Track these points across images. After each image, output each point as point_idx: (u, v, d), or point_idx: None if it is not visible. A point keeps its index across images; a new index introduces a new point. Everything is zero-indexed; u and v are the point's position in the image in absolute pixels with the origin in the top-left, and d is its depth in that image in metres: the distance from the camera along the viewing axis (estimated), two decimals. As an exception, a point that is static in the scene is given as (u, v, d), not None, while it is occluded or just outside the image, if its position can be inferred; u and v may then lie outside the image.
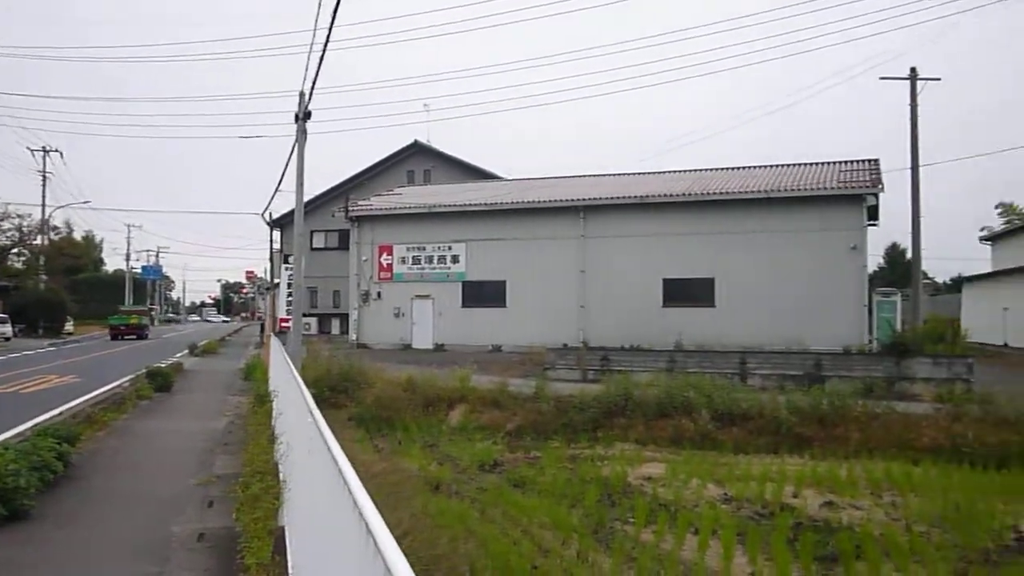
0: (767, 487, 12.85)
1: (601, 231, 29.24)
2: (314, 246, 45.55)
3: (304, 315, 27.79)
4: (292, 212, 21.19)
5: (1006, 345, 39.84)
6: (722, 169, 33.24)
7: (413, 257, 32.14)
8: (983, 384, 21.10)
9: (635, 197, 28.87)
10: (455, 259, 31.31)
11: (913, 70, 28.14)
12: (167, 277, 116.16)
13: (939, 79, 28.69)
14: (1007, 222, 57.53)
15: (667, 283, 28.28)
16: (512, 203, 30.39)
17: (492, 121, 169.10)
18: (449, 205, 31.75)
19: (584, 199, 29.61)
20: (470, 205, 31.18)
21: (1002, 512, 11.38)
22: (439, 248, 31.72)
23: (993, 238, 52.88)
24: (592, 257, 29.22)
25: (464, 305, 31.04)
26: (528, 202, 30.12)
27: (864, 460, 15.61)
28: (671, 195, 28.58)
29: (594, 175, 35.84)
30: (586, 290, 29.12)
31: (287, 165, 22.34)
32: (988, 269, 50.16)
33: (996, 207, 62.24)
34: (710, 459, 15.47)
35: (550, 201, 29.93)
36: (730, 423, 17.99)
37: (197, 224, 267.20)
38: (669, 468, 14.34)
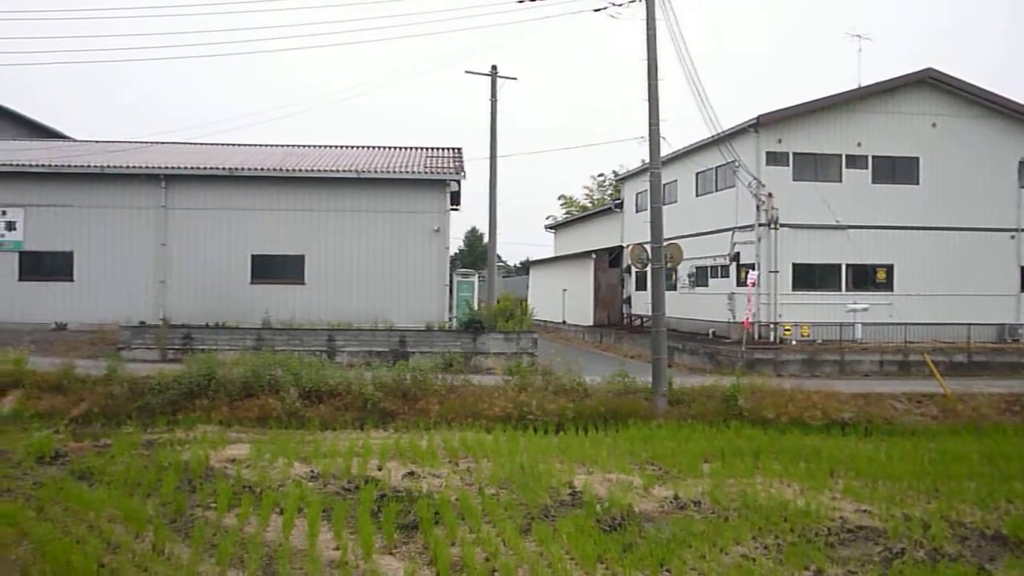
0: (353, 462, 13.06)
1: (186, 202, 27.57)
2: None
3: None
4: None
5: (564, 322, 44.86)
6: (315, 146, 33.09)
7: (-44, 222, 27.72)
8: (545, 357, 23.47)
9: (224, 169, 27.60)
10: (10, 226, 27.54)
11: (494, 67, 30.24)
12: None
13: (516, 79, 31.20)
14: (567, 212, 64.43)
15: (256, 259, 27.50)
16: (84, 166, 27.42)
17: (66, 76, 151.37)
18: (4, 164, 27.81)
19: (167, 167, 27.64)
20: (31, 165, 27.57)
21: (559, 471, 12.71)
22: (-10, 213, 27.69)
23: (556, 227, 59.09)
24: (175, 229, 27.46)
25: (21, 278, 27.42)
26: (103, 166, 27.38)
27: (444, 430, 16.56)
28: (262, 169, 27.78)
29: (180, 142, 33.65)
30: (168, 264, 27.30)
31: None
32: (551, 254, 56.03)
33: (559, 198, 69.26)
34: (297, 437, 15.38)
35: (128, 167, 27.51)
36: (318, 400, 18.08)
37: None
38: (254, 448, 13.98)
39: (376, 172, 27.82)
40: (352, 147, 33.12)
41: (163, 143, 33.15)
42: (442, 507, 10.23)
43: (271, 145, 33.05)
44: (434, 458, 13.57)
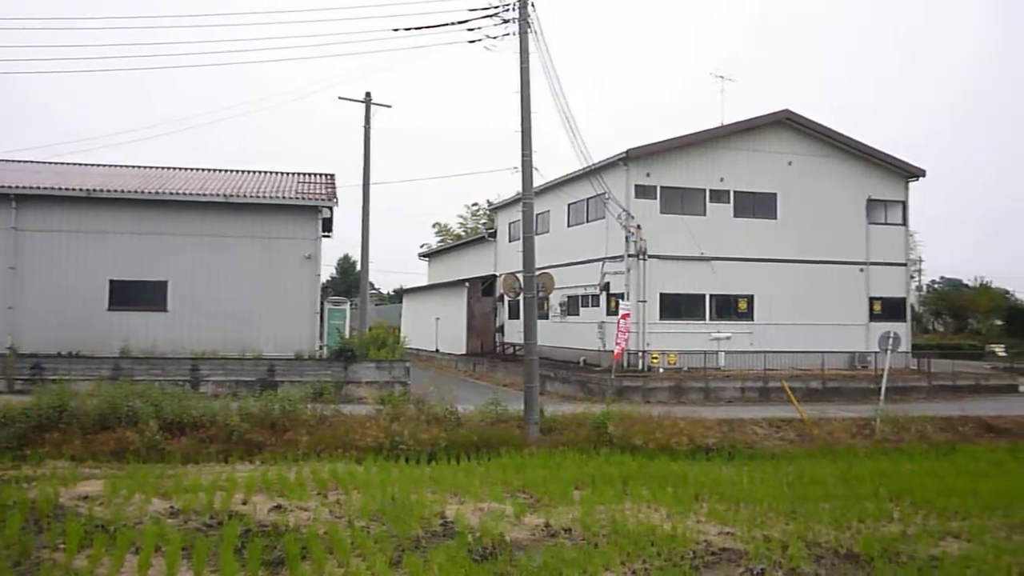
0: (216, 496, 12.57)
1: (39, 224, 26.07)
2: None
3: None
4: None
5: (438, 350, 44.68)
6: (181, 168, 32.00)
7: None
8: (418, 386, 23.31)
9: (82, 190, 26.28)
10: None
11: (368, 94, 29.99)
12: None
13: (390, 106, 31.09)
14: (441, 241, 64.46)
15: (114, 284, 26.21)
16: (-78, 184, 25.64)
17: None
18: None
19: (19, 187, 26.11)
20: None
21: (431, 501, 12.59)
22: None
23: (430, 255, 59.04)
24: (27, 252, 25.91)
25: None
26: (-55, 185, 25.67)
27: (313, 462, 16.17)
28: (123, 191, 26.60)
29: (34, 161, 31.93)
30: (18, 289, 25.67)
31: None
32: (425, 282, 55.87)
33: (433, 226, 69.23)
34: (157, 472, 14.70)
35: (-26, 186, 25.88)
36: (180, 432, 17.38)
37: None
38: (109, 484, 13.26)
39: (245, 197, 27.09)
40: (220, 170, 32.19)
41: (16, 161, 31.38)
42: (310, 542, 9.95)
43: (134, 166, 31.76)
44: (303, 491, 13.21)
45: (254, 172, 32.04)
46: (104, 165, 31.72)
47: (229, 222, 26.92)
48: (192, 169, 32.02)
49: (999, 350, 45.97)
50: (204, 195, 26.85)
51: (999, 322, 62.53)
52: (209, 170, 32.11)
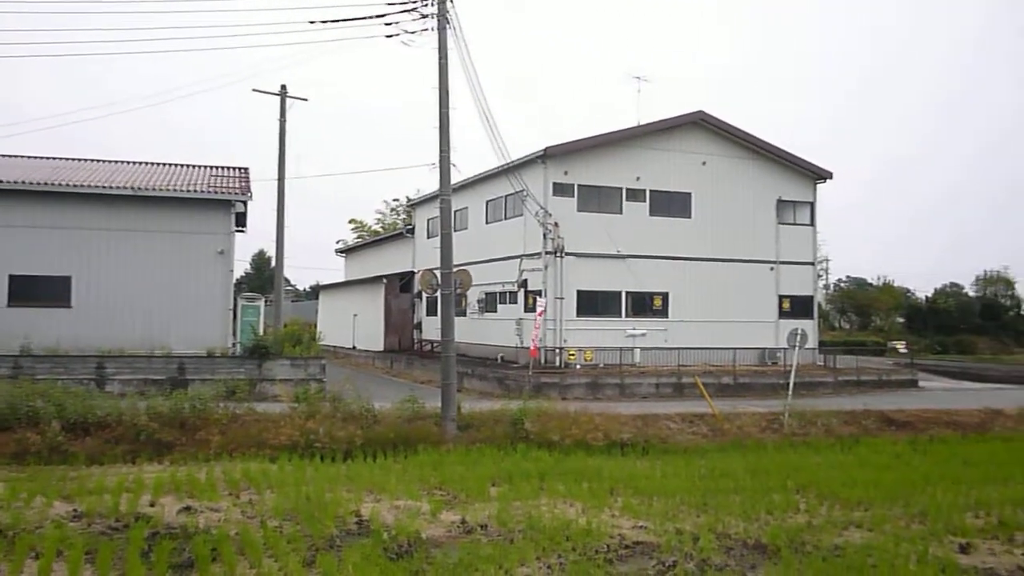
0: (123, 498, 12.18)
1: (-68, 216, 24.94)
2: None
3: None
4: None
5: (355, 347, 44.24)
6: (85, 160, 30.93)
7: None
8: (334, 383, 23.02)
9: (-22, 181, 25.23)
10: None
11: (283, 87, 29.46)
12: None
13: (306, 99, 30.63)
14: (358, 237, 63.78)
15: (14, 280, 25.19)
16: None
17: None
18: None
19: (-90, 177, 24.90)
20: None
21: (346, 499, 12.44)
22: None
23: (347, 251, 58.38)
24: (-81, 246, 24.73)
25: None
26: None
27: (225, 462, 15.83)
28: (25, 182, 25.57)
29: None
30: (-92, 285, 24.51)
31: None
32: (342, 279, 55.24)
33: (349, 222, 68.39)
34: (59, 473, 14.18)
35: None
36: (84, 433, 16.83)
37: None
38: (8, 488, 12.74)
39: (155, 190, 26.33)
40: (130, 162, 31.25)
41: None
42: (220, 543, 9.72)
43: (37, 157, 30.56)
44: (213, 491, 12.91)
45: (165, 165, 31.22)
46: (7, 156, 30.44)
47: (138, 216, 26.13)
48: (100, 161, 31.03)
49: (900, 347, 47.86)
50: (111, 188, 26.02)
51: (900, 319, 65.12)
52: (118, 162, 31.17)
